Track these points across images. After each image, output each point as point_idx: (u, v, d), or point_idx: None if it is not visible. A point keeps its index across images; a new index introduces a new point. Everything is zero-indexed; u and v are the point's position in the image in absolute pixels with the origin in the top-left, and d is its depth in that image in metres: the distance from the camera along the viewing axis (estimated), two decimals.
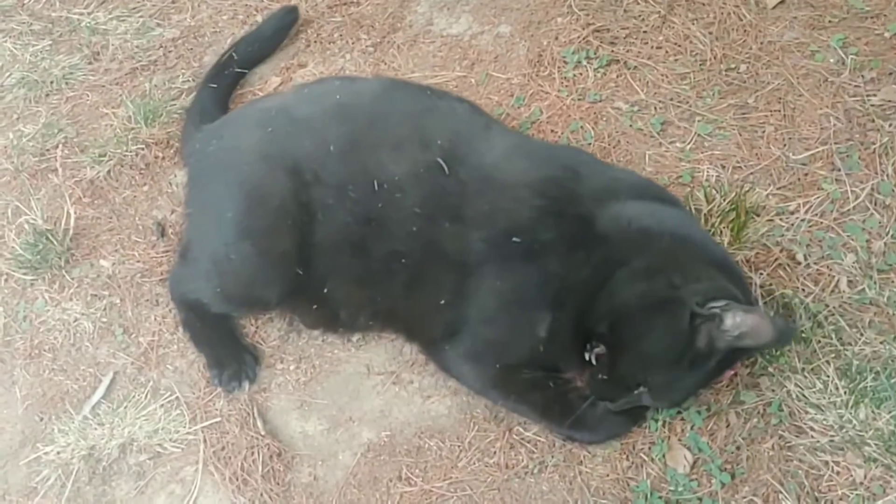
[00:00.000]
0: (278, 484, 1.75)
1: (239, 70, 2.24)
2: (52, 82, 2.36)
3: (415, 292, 1.71)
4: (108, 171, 2.18)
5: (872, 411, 1.66)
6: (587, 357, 1.63)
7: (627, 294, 1.59)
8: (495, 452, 1.75)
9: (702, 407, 1.72)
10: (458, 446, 1.77)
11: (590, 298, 1.61)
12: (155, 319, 1.98)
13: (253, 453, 1.78)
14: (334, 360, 1.90)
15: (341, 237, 1.72)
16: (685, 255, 1.63)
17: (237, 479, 1.75)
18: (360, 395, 1.85)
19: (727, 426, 1.70)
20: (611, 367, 1.60)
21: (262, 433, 1.80)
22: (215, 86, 2.17)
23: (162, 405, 1.86)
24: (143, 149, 2.20)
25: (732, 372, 1.70)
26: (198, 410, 1.85)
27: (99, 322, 1.97)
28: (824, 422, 1.67)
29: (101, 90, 2.35)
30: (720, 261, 1.67)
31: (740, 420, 1.70)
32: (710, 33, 2.24)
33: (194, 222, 1.88)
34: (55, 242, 2.04)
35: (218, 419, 1.84)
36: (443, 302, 1.69)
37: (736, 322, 1.50)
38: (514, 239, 1.65)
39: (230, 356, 1.88)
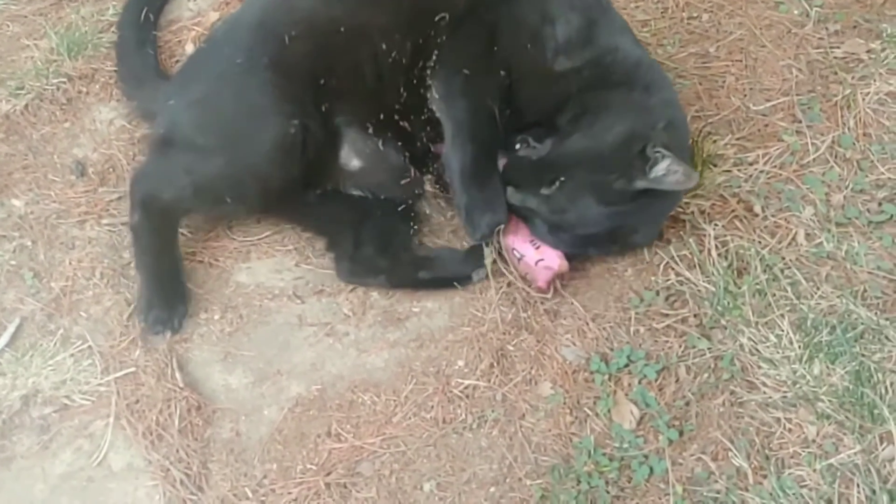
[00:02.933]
0: (196, 439, 1.62)
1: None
2: None
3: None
4: (26, 106, 2.01)
5: (827, 367, 1.58)
6: (520, 142, 1.73)
7: (610, 105, 1.66)
8: (433, 407, 1.64)
9: (650, 361, 1.64)
10: (394, 401, 1.65)
11: (558, 100, 1.70)
12: (70, 264, 1.82)
13: (170, 406, 1.64)
14: (263, 310, 1.77)
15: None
16: (670, 110, 1.70)
17: (151, 434, 1.61)
18: (290, 347, 1.73)
19: (676, 381, 1.61)
20: (545, 155, 1.68)
21: (181, 385, 1.66)
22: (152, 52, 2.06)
23: (72, 354, 1.71)
24: (65, 82, 2.05)
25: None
26: (111, 360, 1.70)
27: (7, 265, 1.81)
28: (777, 377, 1.59)
29: (22, 21, 2.18)
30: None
31: (690, 375, 1.62)
32: None
33: (190, 115, 1.77)
34: None
35: (133, 370, 1.69)
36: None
37: (666, 170, 1.56)
38: None
39: (165, 294, 1.75)
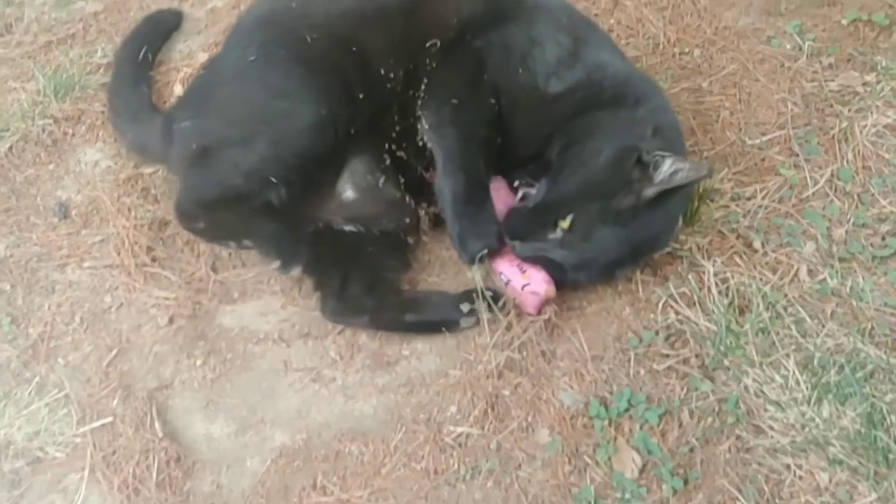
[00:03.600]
0: (175, 493, 1.54)
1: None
2: None
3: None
4: (10, 147, 1.99)
5: (836, 408, 1.51)
6: (520, 183, 1.70)
7: (594, 129, 1.64)
8: (423, 457, 1.56)
9: (652, 404, 1.56)
10: (383, 450, 1.57)
11: (552, 127, 1.68)
12: (49, 308, 1.77)
13: (148, 458, 1.57)
14: (248, 355, 1.71)
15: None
16: (659, 115, 1.68)
17: (128, 488, 1.53)
18: (274, 394, 1.66)
19: (679, 426, 1.54)
20: (543, 195, 1.64)
21: (160, 435, 1.59)
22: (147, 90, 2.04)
23: (47, 403, 1.64)
24: (50, 124, 2.01)
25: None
26: (88, 410, 1.63)
27: None
28: (785, 420, 1.51)
29: (10, 63, 2.17)
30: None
31: (694, 419, 1.54)
32: (664, 17, 2.13)
33: (219, 117, 1.74)
34: None
35: (110, 419, 1.62)
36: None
37: (672, 168, 1.53)
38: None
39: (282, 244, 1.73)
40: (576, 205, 1.59)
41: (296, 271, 1.73)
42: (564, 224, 1.59)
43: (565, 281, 1.64)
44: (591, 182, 1.59)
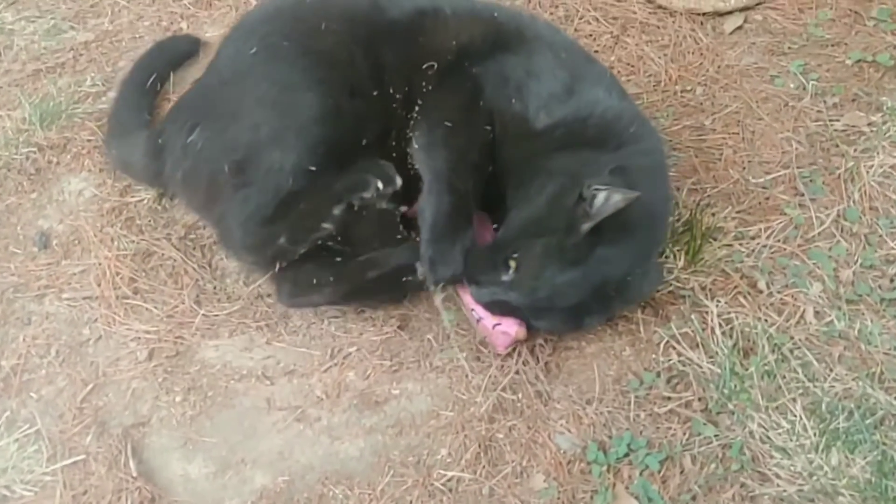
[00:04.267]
0: None
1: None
2: None
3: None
4: None
5: (846, 456, 1.44)
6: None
7: (555, 168, 1.58)
8: (412, 502, 1.48)
9: (652, 449, 1.49)
10: (369, 495, 1.49)
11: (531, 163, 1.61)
12: (24, 340, 1.69)
13: (120, 499, 1.48)
14: (229, 392, 1.63)
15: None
16: (638, 158, 1.61)
17: None
18: (256, 433, 1.58)
19: (681, 472, 1.46)
20: (495, 238, 1.59)
21: (135, 475, 1.51)
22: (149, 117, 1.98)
23: (17, 439, 1.56)
24: (34, 152, 1.96)
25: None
26: (59, 446, 1.55)
27: None
28: (792, 468, 1.44)
29: None
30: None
31: (696, 465, 1.47)
32: (665, 55, 2.10)
33: (250, 124, 1.66)
34: None
35: (82, 457, 1.54)
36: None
37: (605, 199, 1.44)
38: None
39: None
40: (520, 243, 1.53)
41: (399, 179, 1.63)
42: (513, 263, 1.52)
43: (530, 327, 1.57)
44: (533, 219, 1.54)
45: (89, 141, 1.99)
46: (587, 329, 1.63)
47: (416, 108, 1.68)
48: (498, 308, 1.56)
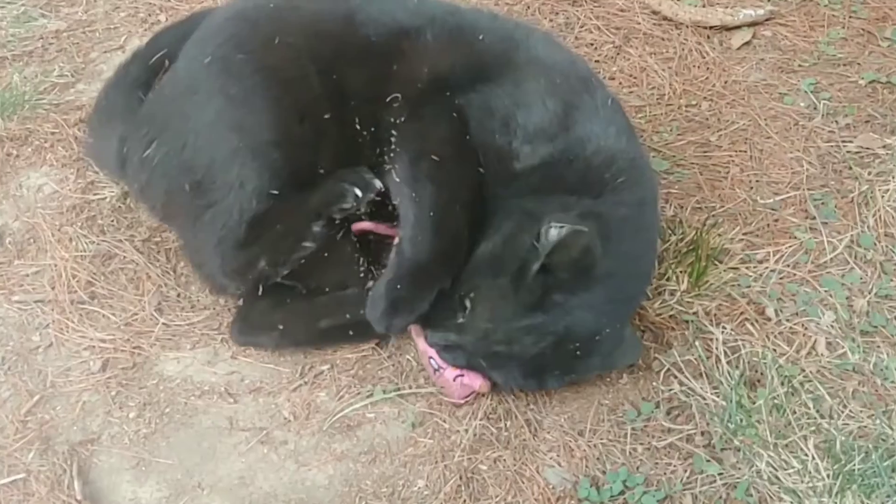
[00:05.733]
0: None
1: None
2: None
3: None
4: None
5: (862, 501, 1.32)
6: None
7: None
8: None
9: (650, 487, 1.36)
10: None
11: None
12: None
13: None
14: (189, 410, 1.49)
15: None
16: (611, 213, 1.43)
17: None
18: (216, 456, 1.44)
19: None
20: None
21: (79, 497, 1.37)
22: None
23: None
24: None
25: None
26: None
27: None
28: None
29: None
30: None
31: None
32: (670, 68, 2.01)
33: (206, 144, 1.53)
34: None
35: (22, 476, 1.40)
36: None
37: (557, 235, 1.31)
38: None
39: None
40: (475, 282, 1.40)
41: (377, 182, 1.50)
42: (468, 305, 1.39)
43: (488, 378, 1.44)
44: (489, 257, 1.41)
45: (53, 134, 1.88)
46: (550, 390, 1.49)
47: (392, 140, 1.52)
48: (452, 355, 1.42)
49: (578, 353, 1.40)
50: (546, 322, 1.36)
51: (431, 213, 1.44)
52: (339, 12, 1.62)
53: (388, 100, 1.53)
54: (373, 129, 1.55)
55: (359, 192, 1.47)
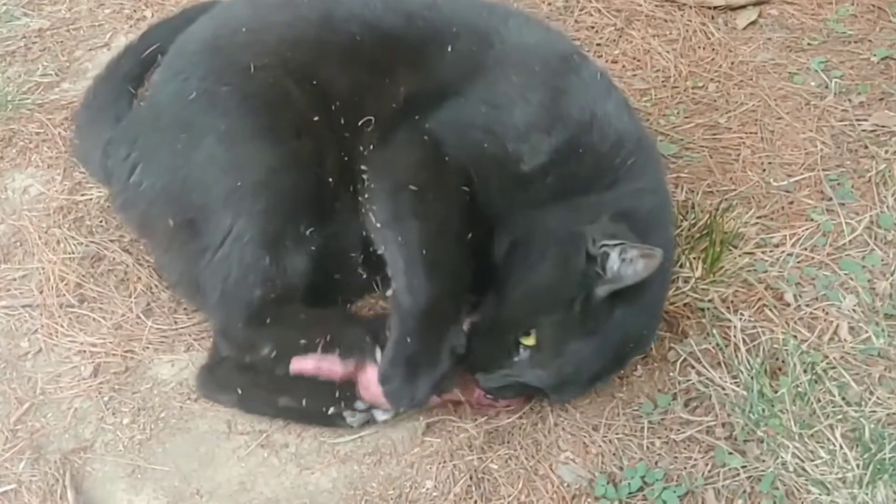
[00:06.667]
0: None
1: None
2: None
3: None
4: None
5: (893, 491, 1.26)
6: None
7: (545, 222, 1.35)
8: None
9: (670, 482, 1.30)
10: None
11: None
12: None
13: None
14: (185, 414, 1.43)
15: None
16: (632, 206, 1.36)
17: None
18: (214, 461, 1.39)
19: None
20: (494, 313, 1.34)
21: None
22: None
23: None
24: None
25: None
26: None
27: None
28: None
29: None
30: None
31: (721, 501, 1.29)
32: (674, 49, 1.94)
33: (199, 180, 1.44)
34: None
35: (13, 486, 1.35)
36: None
37: (624, 263, 1.25)
38: None
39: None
40: (535, 319, 1.31)
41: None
42: (528, 341, 1.30)
43: (551, 402, 1.39)
44: (544, 290, 1.31)
45: (38, 134, 1.82)
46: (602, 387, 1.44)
47: (364, 175, 1.42)
48: (508, 391, 1.35)
49: (630, 350, 1.36)
50: (609, 338, 1.30)
51: (423, 252, 1.34)
52: (312, 16, 1.52)
53: (360, 124, 1.44)
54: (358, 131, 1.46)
55: (379, 356, 1.34)
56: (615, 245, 1.26)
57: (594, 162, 1.39)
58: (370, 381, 1.33)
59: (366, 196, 1.42)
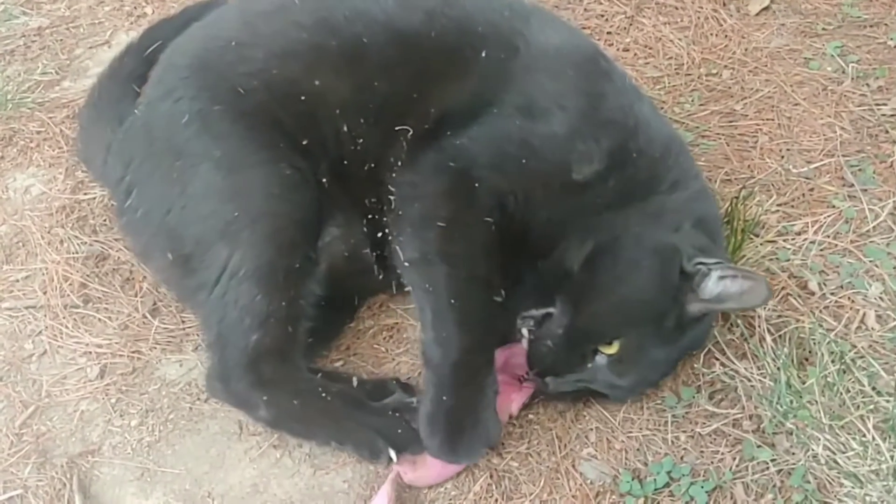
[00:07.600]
0: None
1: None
2: None
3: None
4: None
5: None
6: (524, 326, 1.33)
7: (626, 229, 1.30)
8: None
9: (697, 478, 1.25)
10: None
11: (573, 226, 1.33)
12: None
13: None
14: (194, 415, 1.40)
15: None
16: (698, 204, 1.37)
17: None
18: (225, 463, 1.35)
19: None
20: (572, 320, 1.28)
21: None
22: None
23: None
24: None
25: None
26: None
27: None
28: (867, 498, 1.21)
29: None
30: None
31: (751, 496, 1.24)
32: (686, 37, 1.91)
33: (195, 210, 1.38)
34: None
35: (19, 492, 1.32)
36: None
37: (720, 284, 1.24)
38: None
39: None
40: (623, 330, 1.28)
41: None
42: (610, 350, 1.28)
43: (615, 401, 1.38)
44: (637, 303, 1.29)
45: (39, 133, 1.79)
46: None
47: (391, 196, 1.36)
48: (569, 394, 1.34)
49: (689, 353, 1.38)
50: (683, 346, 1.33)
51: (452, 301, 1.30)
52: (307, 20, 1.44)
53: (396, 129, 1.37)
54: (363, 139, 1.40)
55: (394, 456, 1.30)
56: (713, 268, 1.25)
57: (649, 165, 1.36)
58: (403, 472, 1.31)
59: (392, 219, 1.37)
